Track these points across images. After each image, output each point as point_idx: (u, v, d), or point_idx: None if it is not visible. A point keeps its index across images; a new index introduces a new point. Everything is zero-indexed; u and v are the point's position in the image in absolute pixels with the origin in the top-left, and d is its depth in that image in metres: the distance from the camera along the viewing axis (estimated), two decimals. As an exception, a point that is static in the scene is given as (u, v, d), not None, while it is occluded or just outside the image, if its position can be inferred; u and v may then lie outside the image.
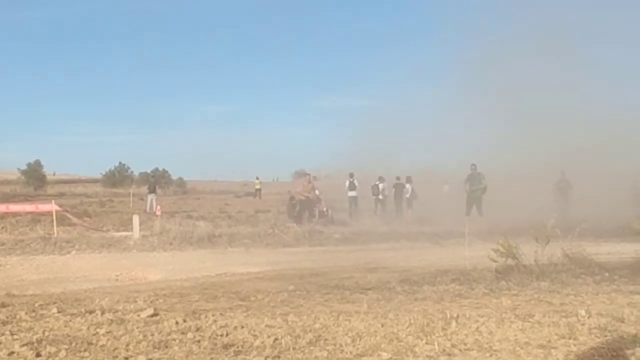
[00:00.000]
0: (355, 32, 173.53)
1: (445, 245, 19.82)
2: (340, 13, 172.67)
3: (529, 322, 6.81)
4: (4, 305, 8.31)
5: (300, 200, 28.73)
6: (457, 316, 7.04)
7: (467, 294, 9.42)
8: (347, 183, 33.48)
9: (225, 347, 5.92)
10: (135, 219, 20.78)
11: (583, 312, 7.16)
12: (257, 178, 66.94)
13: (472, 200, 26.43)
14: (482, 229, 21.67)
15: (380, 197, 34.96)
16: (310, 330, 6.48)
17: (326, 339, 6.16)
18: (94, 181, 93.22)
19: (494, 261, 11.18)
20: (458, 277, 11.15)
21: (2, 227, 24.10)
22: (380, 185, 35.00)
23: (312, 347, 5.90)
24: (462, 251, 13.52)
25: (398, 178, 34.23)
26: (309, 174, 31.32)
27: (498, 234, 13.85)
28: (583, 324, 6.66)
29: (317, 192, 31.06)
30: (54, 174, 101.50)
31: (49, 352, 5.71)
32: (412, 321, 6.81)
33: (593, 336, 6.21)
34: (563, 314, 7.22)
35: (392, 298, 9.17)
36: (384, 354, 5.68)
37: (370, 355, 5.66)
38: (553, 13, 43.45)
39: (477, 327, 6.55)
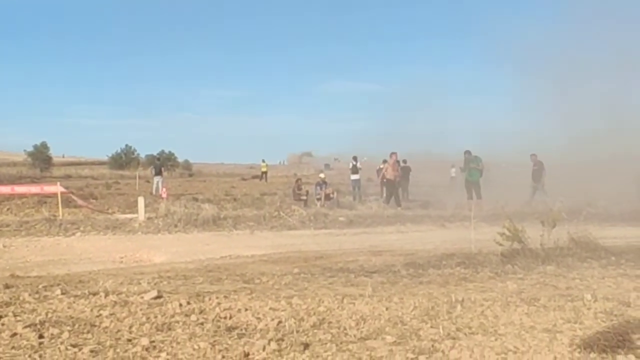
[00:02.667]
0: (362, 17, 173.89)
1: (451, 229, 19.75)
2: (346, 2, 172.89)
3: (535, 306, 6.79)
4: (7, 287, 8.31)
5: (389, 180, 27.53)
6: (462, 300, 7.02)
7: (472, 278, 9.39)
8: (351, 166, 33.50)
9: (229, 329, 5.91)
10: (140, 201, 20.72)
11: (589, 296, 7.13)
12: (264, 161, 67.04)
13: (470, 184, 26.28)
14: (488, 212, 21.65)
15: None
16: (315, 314, 6.46)
17: (330, 322, 6.15)
18: (101, 163, 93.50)
19: (500, 245, 11.13)
20: (463, 261, 11.10)
21: (8, 209, 24.14)
22: (385, 169, 35.05)
23: (316, 330, 5.88)
24: (468, 234, 13.48)
25: (404, 161, 34.20)
26: (395, 153, 28.56)
27: (504, 217, 13.78)
28: (589, 308, 6.64)
29: (321, 175, 30.80)
30: (63, 156, 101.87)
31: (52, 334, 5.70)
32: (416, 305, 6.79)
33: (599, 320, 6.18)
34: (569, 298, 7.19)
35: (397, 281, 9.14)
36: (388, 337, 5.65)
37: (375, 339, 5.64)
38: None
39: (482, 311, 6.53)
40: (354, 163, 33.45)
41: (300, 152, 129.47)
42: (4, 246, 15.59)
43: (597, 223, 16.72)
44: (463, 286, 8.58)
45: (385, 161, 35.96)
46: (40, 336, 5.64)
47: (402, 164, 33.93)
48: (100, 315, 6.41)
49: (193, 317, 6.29)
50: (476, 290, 8.17)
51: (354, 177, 33.09)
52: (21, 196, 27.21)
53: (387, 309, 6.66)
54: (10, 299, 7.29)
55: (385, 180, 27.98)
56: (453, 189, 33.50)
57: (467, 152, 26.68)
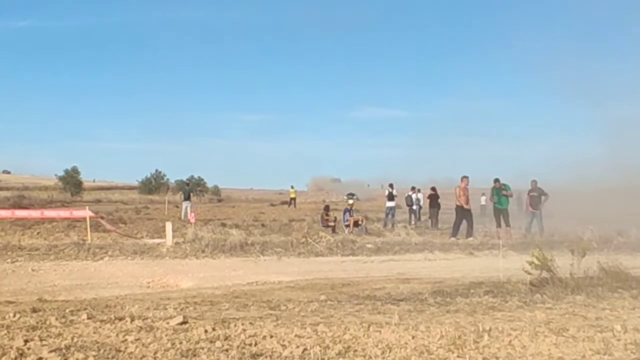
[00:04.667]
0: (392, 43, 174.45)
1: (479, 257, 19.61)
2: (375, 27, 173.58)
3: (563, 336, 6.68)
4: (35, 311, 8.35)
5: (459, 207, 25.82)
6: (490, 329, 6.94)
7: (500, 307, 9.28)
8: (387, 193, 33.46)
9: (254, 356, 5.88)
10: (168, 226, 20.79)
11: (619, 327, 7.02)
12: (292, 187, 67.22)
13: (499, 212, 25.97)
14: (517, 240, 21.50)
15: (414, 207, 34.94)
16: (340, 341, 6.41)
17: (355, 350, 6.09)
18: (131, 188, 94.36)
19: (529, 273, 11.01)
20: (492, 289, 10.99)
21: (38, 233, 24.36)
22: (414, 196, 34.99)
23: (341, 358, 5.84)
24: (496, 263, 13.36)
25: (433, 189, 34.08)
26: (467, 177, 26.24)
27: (533, 245, 13.64)
28: (619, 340, 6.53)
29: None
30: (94, 181, 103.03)
31: (77, 359, 5.70)
32: (443, 333, 6.71)
33: (629, 352, 6.08)
34: (598, 329, 7.08)
35: (424, 310, 9.07)
36: (414, 366, 5.60)
37: (400, 368, 5.58)
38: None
39: (510, 341, 6.44)
40: (390, 190, 33.43)
41: (329, 178, 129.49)
42: (33, 270, 15.67)
43: (629, 252, 16.58)
44: (491, 315, 8.49)
45: (413, 188, 36.01)
46: (65, 361, 5.65)
47: (431, 192, 33.85)
48: (126, 340, 6.40)
49: (218, 344, 6.26)
50: (504, 319, 8.08)
51: (390, 204, 33.06)
52: (51, 220, 27.49)
53: (413, 337, 6.60)
54: (37, 322, 7.32)
55: (455, 206, 26.33)
56: (483, 217, 33.32)
57: (496, 180, 26.46)
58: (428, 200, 34.15)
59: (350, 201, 31.27)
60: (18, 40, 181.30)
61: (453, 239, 24.24)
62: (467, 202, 25.92)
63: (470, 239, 24.32)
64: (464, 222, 25.23)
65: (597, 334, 6.81)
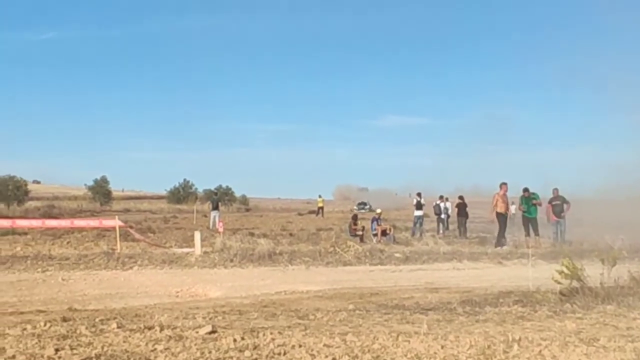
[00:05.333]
0: (415, 52, 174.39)
1: (508, 266, 19.51)
2: (398, 36, 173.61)
3: (594, 346, 6.62)
4: (65, 320, 8.40)
5: (499, 214, 25.64)
6: (519, 339, 6.89)
7: (530, 316, 9.21)
8: (415, 202, 33.39)
9: (282, 366, 5.88)
10: (197, 236, 20.86)
11: (650, 337, 6.95)
12: (320, 196, 67.27)
13: (527, 220, 25.84)
14: (546, 249, 21.36)
15: (442, 216, 34.81)
16: (369, 351, 6.39)
17: (384, 360, 6.07)
18: (159, 198, 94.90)
19: (558, 283, 10.91)
20: (521, 299, 10.92)
21: (68, 242, 24.50)
22: (442, 205, 34.87)
23: (370, 368, 5.83)
24: (526, 272, 13.28)
25: (461, 197, 33.97)
26: (505, 183, 26.21)
27: (562, 254, 13.53)
28: (650, 350, 6.46)
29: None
30: (123, 190, 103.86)
31: (107, 368, 5.74)
32: (472, 343, 6.68)
33: (660, 362, 6.02)
34: (629, 339, 7.01)
35: (452, 319, 9.01)
36: (443, 376, 5.57)
37: (429, 378, 5.56)
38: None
39: (540, 351, 6.39)
40: (418, 199, 33.36)
41: (355, 187, 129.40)
42: (63, 279, 15.77)
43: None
44: (520, 325, 8.42)
45: (441, 197, 35.89)
46: (96, 370, 5.68)
47: (458, 200, 33.72)
48: (155, 349, 6.42)
49: (247, 353, 6.27)
50: (534, 329, 8.02)
51: (418, 212, 32.97)
52: (81, 230, 27.69)
53: (442, 347, 6.57)
54: (68, 332, 7.36)
55: (496, 213, 25.91)
56: (512, 226, 33.17)
57: (526, 190, 26.35)
58: (456, 209, 34.05)
59: (379, 210, 31.30)
60: (44, 53, 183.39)
61: (499, 248, 24.09)
62: (506, 210, 25.85)
63: (498, 247, 24.21)
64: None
65: (628, 343, 6.74)
